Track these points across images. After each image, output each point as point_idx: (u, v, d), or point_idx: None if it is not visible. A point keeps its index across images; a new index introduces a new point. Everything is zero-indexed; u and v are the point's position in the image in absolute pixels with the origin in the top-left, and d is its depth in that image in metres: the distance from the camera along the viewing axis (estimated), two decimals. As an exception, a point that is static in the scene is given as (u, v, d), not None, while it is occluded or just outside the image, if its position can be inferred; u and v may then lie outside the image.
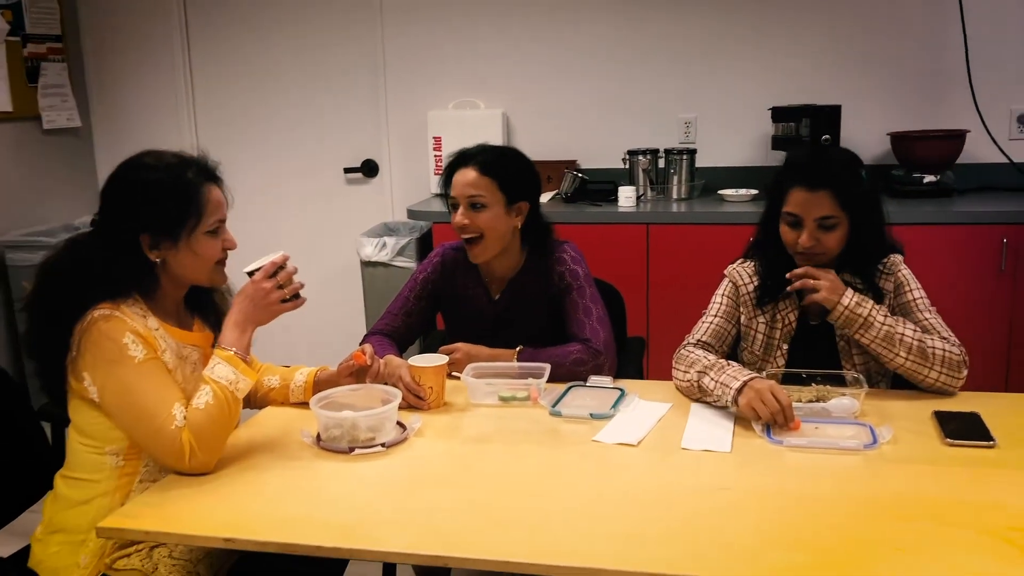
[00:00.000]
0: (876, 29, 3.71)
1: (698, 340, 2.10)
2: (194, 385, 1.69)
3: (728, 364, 1.91)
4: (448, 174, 2.21)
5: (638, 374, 2.43)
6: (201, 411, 1.61)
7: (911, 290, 2.06)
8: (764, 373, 1.92)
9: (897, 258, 2.09)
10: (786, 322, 2.08)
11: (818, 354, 2.02)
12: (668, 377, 2.08)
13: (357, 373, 1.97)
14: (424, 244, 3.89)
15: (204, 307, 1.86)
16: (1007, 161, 3.59)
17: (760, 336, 2.10)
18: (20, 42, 4.01)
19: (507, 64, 4.08)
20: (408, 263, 3.82)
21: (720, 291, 2.19)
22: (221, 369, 1.66)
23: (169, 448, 1.59)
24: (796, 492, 1.49)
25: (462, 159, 2.20)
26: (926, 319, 2.01)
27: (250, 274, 1.74)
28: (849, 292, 1.94)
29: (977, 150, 3.62)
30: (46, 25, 4.15)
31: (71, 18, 4.36)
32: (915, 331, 1.94)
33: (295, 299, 1.75)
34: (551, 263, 2.22)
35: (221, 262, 1.77)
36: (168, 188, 1.69)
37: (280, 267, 1.73)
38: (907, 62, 3.70)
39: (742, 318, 2.15)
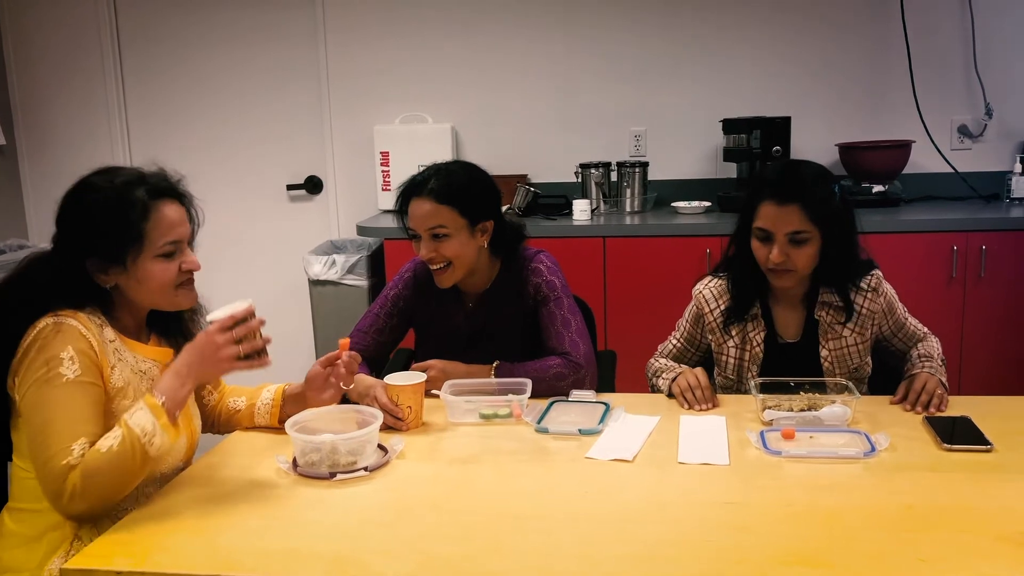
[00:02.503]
0: (823, 42, 3.76)
1: (661, 358, 2.19)
2: None
3: (678, 367, 2.04)
4: (402, 203, 2.11)
5: (611, 387, 2.37)
6: (102, 455, 1.45)
7: (898, 304, 2.11)
8: (752, 382, 1.89)
9: (879, 274, 2.09)
10: (754, 344, 2.06)
11: (794, 373, 1.99)
12: (635, 389, 2.09)
13: (332, 368, 1.84)
14: (375, 261, 3.79)
15: (168, 324, 1.75)
16: (951, 171, 3.67)
17: (731, 360, 2.08)
18: (-60, 55, 3.80)
19: (455, 77, 4.02)
20: (359, 281, 3.71)
21: (686, 314, 2.18)
22: (141, 416, 1.49)
23: (51, 483, 1.45)
24: (803, 504, 1.45)
25: (414, 188, 2.08)
26: (913, 326, 2.11)
27: (211, 322, 1.60)
28: (938, 374, 1.96)
29: (922, 160, 3.69)
30: (-33, 38, 3.94)
31: (-6, 31, 4.15)
32: (934, 352, 2.06)
33: (255, 357, 1.57)
34: (527, 274, 2.15)
35: (185, 284, 1.65)
36: (110, 210, 1.58)
37: (241, 320, 1.56)
38: (853, 75, 3.76)
39: (712, 344, 2.13)
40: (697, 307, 2.13)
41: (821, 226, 1.94)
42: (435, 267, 2.09)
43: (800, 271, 1.97)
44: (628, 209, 3.74)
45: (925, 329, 2.14)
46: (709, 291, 2.12)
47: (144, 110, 4.29)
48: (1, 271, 3.56)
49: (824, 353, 2.03)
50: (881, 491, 1.48)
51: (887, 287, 2.08)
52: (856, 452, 1.62)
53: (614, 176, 3.80)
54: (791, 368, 2.01)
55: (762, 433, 1.71)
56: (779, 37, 3.79)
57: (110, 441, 1.46)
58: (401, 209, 2.12)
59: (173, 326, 1.75)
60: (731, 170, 3.78)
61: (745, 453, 1.66)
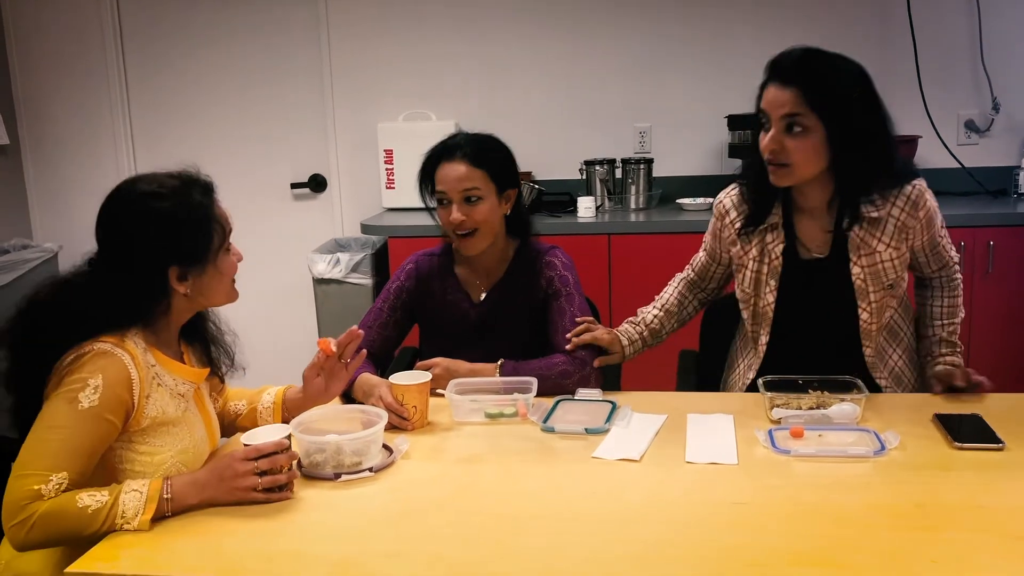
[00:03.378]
0: (828, 36, 3.71)
1: (686, 276, 2.23)
2: (188, 426, 1.60)
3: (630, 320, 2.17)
4: (430, 168, 2.10)
5: (616, 385, 2.35)
6: (76, 508, 1.39)
7: (938, 219, 1.95)
8: (760, 380, 1.86)
9: (921, 184, 1.91)
10: (772, 256, 1.94)
11: (816, 291, 1.86)
12: (640, 387, 2.06)
13: (326, 370, 1.83)
14: (379, 259, 3.78)
15: (196, 337, 1.73)
16: (958, 166, 3.65)
17: (749, 272, 1.99)
18: (-57, 55, 3.79)
19: (459, 74, 4.01)
20: (363, 279, 3.70)
21: (709, 226, 2.13)
22: (133, 500, 1.42)
23: (13, 498, 1.38)
24: (813, 504, 1.43)
25: (447, 151, 2.08)
26: (944, 248, 2.04)
27: (246, 446, 1.54)
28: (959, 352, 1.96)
29: (929, 155, 3.66)
30: (-30, 37, 3.93)
31: (-4, 30, 4.14)
32: (955, 330, 2.04)
33: (276, 491, 1.51)
34: (540, 266, 2.14)
35: (233, 278, 1.68)
36: (186, 215, 1.57)
37: (270, 453, 1.51)
38: (858, 69, 3.73)
39: (733, 252, 2.03)
40: (717, 217, 2.05)
41: (824, 115, 1.75)
42: (462, 232, 2.08)
43: (797, 167, 1.78)
44: (633, 206, 3.72)
45: (955, 256, 2.05)
46: (729, 199, 2.03)
47: (147, 108, 4.28)
48: (5, 271, 3.59)
49: (856, 271, 1.89)
50: (891, 490, 1.47)
51: (930, 200, 1.90)
52: (865, 451, 1.60)
53: (619, 173, 3.79)
54: (816, 285, 1.92)
55: (770, 432, 1.69)
56: (784, 31, 3.76)
57: (91, 501, 1.40)
58: (428, 173, 2.10)
59: (200, 333, 1.74)
60: (736, 166, 3.76)
61: (753, 452, 1.64)
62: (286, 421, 1.83)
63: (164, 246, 1.56)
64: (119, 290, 1.54)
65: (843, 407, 1.75)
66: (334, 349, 1.80)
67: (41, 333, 1.52)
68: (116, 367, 1.49)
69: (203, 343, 1.75)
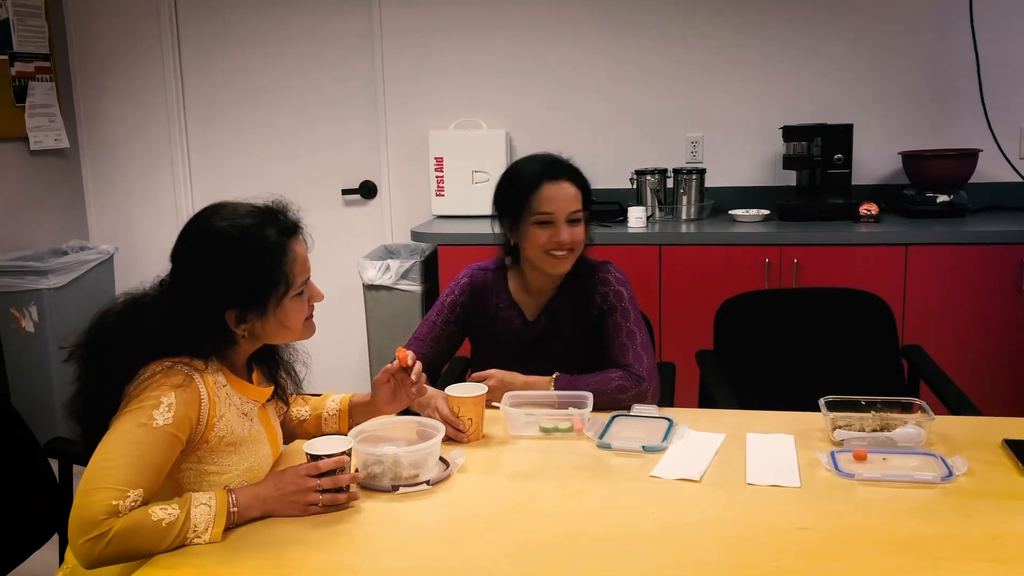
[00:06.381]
0: (887, 47, 3.68)
1: None
2: (253, 444, 1.60)
3: None
4: (534, 186, 2.06)
5: (670, 401, 2.33)
6: (151, 522, 1.38)
7: None
8: (822, 400, 1.82)
9: None
10: None
11: None
12: (691, 403, 2.03)
13: (396, 380, 1.82)
14: (428, 267, 3.79)
15: (267, 359, 1.73)
16: (1020, 180, 3.56)
17: None
18: (8, 61, 3.88)
19: (510, 83, 4.01)
20: (412, 286, 3.72)
21: None
22: (204, 513, 1.43)
23: (90, 513, 1.36)
24: (881, 531, 1.40)
25: (555, 171, 2.07)
26: None
27: (310, 456, 1.54)
28: None
29: (990, 169, 3.59)
30: (34, 43, 4.02)
31: (59, 36, 4.23)
32: None
33: (330, 508, 1.52)
34: (594, 282, 2.13)
35: (309, 317, 1.65)
36: (252, 260, 1.53)
37: (334, 471, 1.52)
38: (918, 81, 3.67)
39: None
40: None
41: None
42: (561, 253, 2.07)
43: None
44: (684, 217, 3.69)
45: None
46: None
47: (202, 114, 4.34)
48: (63, 272, 3.66)
49: None
50: (963, 519, 1.43)
51: None
52: (933, 476, 1.56)
53: (670, 183, 3.76)
54: None
55: (832, 454, 1.66)
56: (840, 42, 3.71)
57: (164, 514, 1.40)
58: (527, 191, 2.06)
59: (272, 359, 1.73)
60: (791, 178, 3.71)
61: (816, 474, 1.61)
62: (352, 428, 1.84)
63: (223, 289, 1.53)
64: (183, 323, 1.53)
65: (907, 430, 1.71)
66: (409, 362, 1.80)
67: (111, 353, 1.52)
68: (187, 387, 1.49)
69: (272, 366, 1.74)
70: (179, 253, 1.58)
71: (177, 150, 4.35)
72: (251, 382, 1.67)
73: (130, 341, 1.52)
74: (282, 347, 1.75)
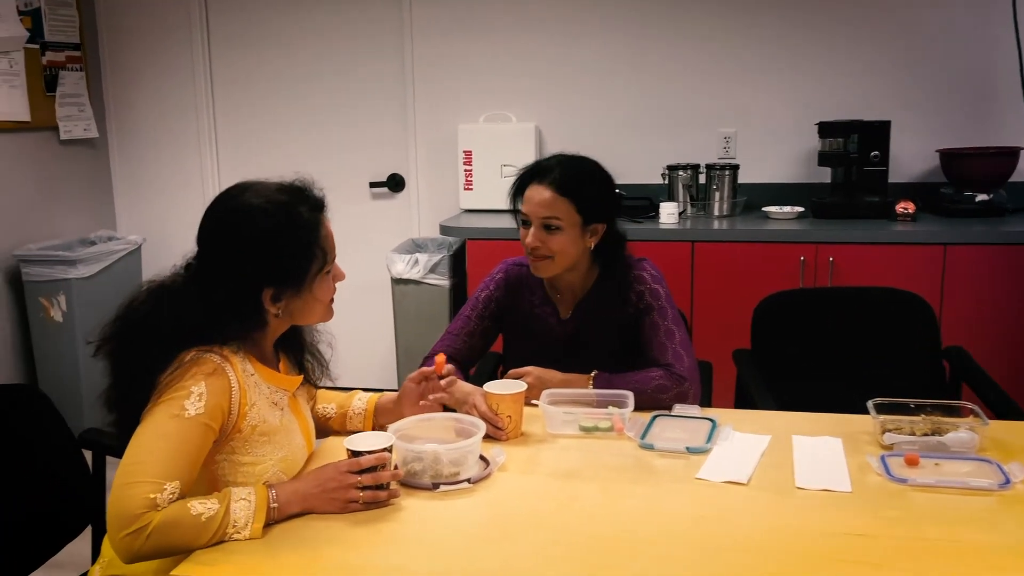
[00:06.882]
0: (926, 43, 3.61)
1: None
2: (286, 434, 1.57)
3: None
4: (520, 187, 2.06)
5: (708, 401, 2.29)
6: (190, 516, 1.36)
7: None
8: (871, 403, 1.78)
9: None
10: None
11: None
12: (726, 403, 1.98)
13: (427, 383, 1.81)
14: (457, 261, 3.76)
15: (291, 345, 1.70)
16: (1063, 179, 3.49)
17: None
18: (39, 50, 3.88)
19: (539, 76, 3.97)
20: (440, 280, 3.69)
21: None
22: (243, 509, 1.41)
23: (128, 507, 1.34)
24: (938, 539, 1.35)
25: (537, 174, 2.03)
26: None
27: (351, 451, 1.52)
28: None
29: (1032, 168, 3.52)
30: (65, 33, 4.02)
31: (90, 26, 4.23)
32: None
33: (371, 506, 1.50)
34: (629, 281, 2.08)
35: (332, 299, 1.63)
36: (289, 236, 1.51)
37: (375, 468, 1.50)
38: (958, 77, 3.60)
39: None
40: None
41: None
42: (535, 257, 2.04)
43: None
44: (716, 213, 3.64)
45: None
46: None
47: (231, 106, 4.33)
48: (92, 262, 3.66)
49: None
50: (1022, 529, 1.38)
51: None
52: (989, 483, 1.51)
53: (702, 178, 3.71)
54: None
55: (883, 458, 1.61)
56: (878, 37, 3.64)
57: (203, 508, 1.38)
58: (517, 191, 2.06)
59: (297, 342, 1.71)
60: (825, 175, 3.66)
61: (867, 479, 1.56)
62: (375, 428, 1.82)
63: (260, 266, 1.51)
64: (213, 305, 1.50)
65: (960, 434, 1.66)
66: (444, 371, 1.79)
67: (139, 344, 1.49)
68: (218, 375, 1.47)
69: (298, 351, 1.72)
70: (209, 233, 1.54)
71: (205, 142, 4.34)
72: (278, 371, 1.64)
73: (159, 329, 1.49)
74: (306, 331, 1.72)
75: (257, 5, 4.21)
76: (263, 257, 1.50)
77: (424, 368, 1.83)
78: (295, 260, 1.52)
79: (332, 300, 1.63)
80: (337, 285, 1.64)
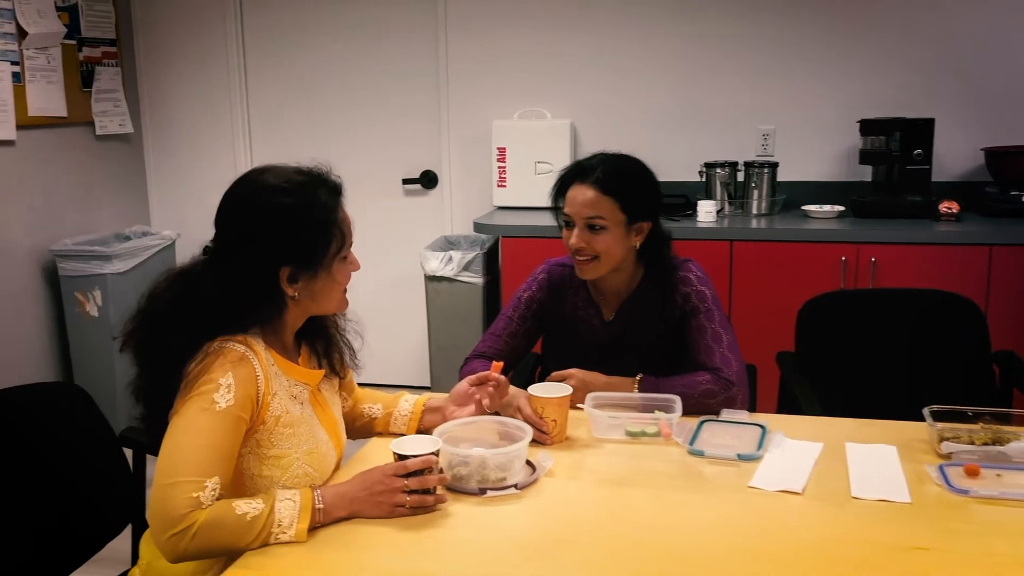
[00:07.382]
0: (970, 39, 3.53)
1: None
2: (308, 427, 1.54)
3: None
4: (562, 187, 2.03)
5: (753, 405, 2.25)
6: (234, 516, 1.35)
7: None
8: (927, 410, 1.73)
9: None
10: None
11: None
12: (769, 407, 1.96)
13: (481, 388, 1.80)
14: (490, 258, 3.74)
15: (314, 335, 1.67)
16: (1113, 179, 3.40)
17: None
18: (76, 46, 3.89)
19: (574, 73, 3.93)
20: (474, 278, 3.67)
21: None
22: (288, 508, 1.39)
23: (171, 507, 1.33)
24: (1008, 554, 1.31)
25: (579, 173, 2.00)
26: None
27: (397, 455, 1.50)
28: None
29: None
30: (101, 29, 4.03)
31: (125, 21, 4.24)
32: None
33: (418, 510, 1.47)
34: (675, 282, 2.04)
35: (346, 289, 1.61)
36: (307, 215, 1.50)
37: (422, 471, 1.47)
38: (1003, 75, 3.52)
39: None
40: None
41: None
42: (581, 258, 2.01)
43: None
44: (755, 211, 3.59)
45: None
46: None
47: (265, 102, 4.33)
48: (126, 257, 3.66)
49: None
50: (1095, 544, 1.34)
51: None
52: (1056, 496, 1.47)
53: (740, 176, 3.65)
54: None
55: (941, 467, 1.57)
56: (921, 32, 3.57)
57: (248, 508, 1.37)
58: (559, 192, 2.03)
59: (319, 334, 1.68)
60: (866, 173, 3.59)
61: (926, 490, 1.52)
62: (420, 430, 1.80)
63: (279, 244, 1.49)
64: (231, 285, 1.48)
65: (1022, 444, 1.61)
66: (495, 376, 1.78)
67: (163, 335, 1.47)
68: (244, 363, 1.45)
69: (321, 344, 1.68)
70: (227, 212, 1.53)
71: (239, 137, 4.35)
72: (298, 364, 1.62)
73: (181, 317, 1.47)
74: (329, 323, 1.69)
75: (291, 2, 4.20)
76: (281, 233, 1.48)
77: (482, 373, 1.81)
78: (313, 238, 1.50)
79: (345, 290, 1.60)
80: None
